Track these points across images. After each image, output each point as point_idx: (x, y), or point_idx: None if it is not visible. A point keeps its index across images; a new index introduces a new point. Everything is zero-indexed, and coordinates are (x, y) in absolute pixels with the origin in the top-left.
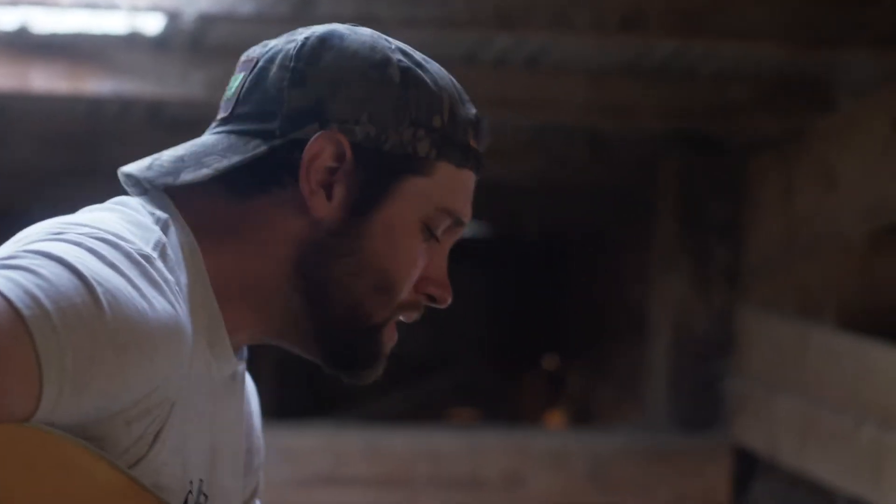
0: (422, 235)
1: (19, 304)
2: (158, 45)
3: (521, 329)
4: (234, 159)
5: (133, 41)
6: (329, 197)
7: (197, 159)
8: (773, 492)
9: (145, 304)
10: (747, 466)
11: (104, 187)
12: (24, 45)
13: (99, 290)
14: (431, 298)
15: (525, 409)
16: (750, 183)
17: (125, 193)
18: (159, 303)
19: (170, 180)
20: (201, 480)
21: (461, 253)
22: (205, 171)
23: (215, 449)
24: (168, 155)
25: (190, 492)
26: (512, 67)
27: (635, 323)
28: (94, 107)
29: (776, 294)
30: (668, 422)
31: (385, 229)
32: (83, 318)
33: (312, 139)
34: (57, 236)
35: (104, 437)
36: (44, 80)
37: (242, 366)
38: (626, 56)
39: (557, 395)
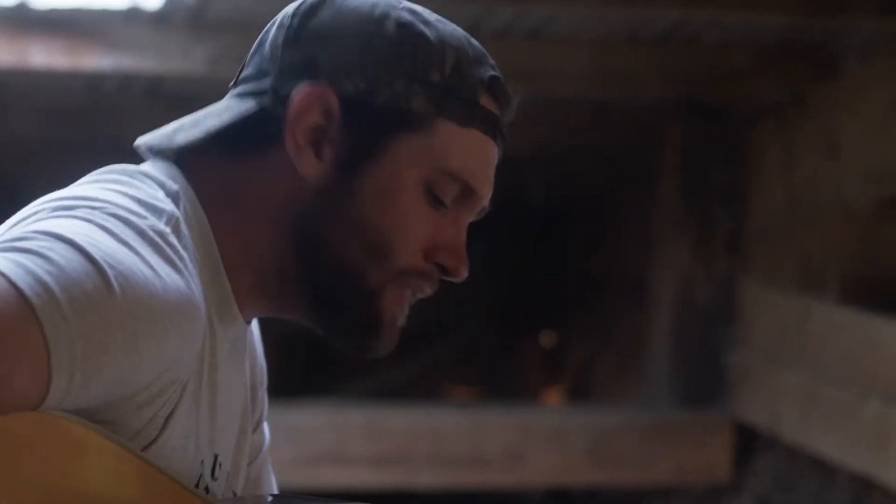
0: (425, 199)
1: (28, 292)
2: (159, 19)
3: (523, 298)
4: (226, 118)
5: (133, 16)
6: (318, 155)
7: (194, 123)
8: (775, 467)
9: (158, 285)
10: (748, 441)
11: (103, 162)
12: (23, 20)
13: (110, 272)
14: (444, 270)
15: (524, 383)
16: (752, 150)
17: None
18: (173, 281)
19: (164, 143)
20: (216, 456)
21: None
22: (196, 132)
23: (226, 416)
24: (174, 122)
25: (202, 474)
26: (514, 38)
27: (636, 292)
28: (94, 82)
29: (778, 262)
30: (668, 395)
31: (378, 188)
32: (94, 304)
33: (297, 93)
34: (67, 213)
35: (114, 421)
36: (43, 55)
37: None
38: (628, 26)
39: (557, 370)
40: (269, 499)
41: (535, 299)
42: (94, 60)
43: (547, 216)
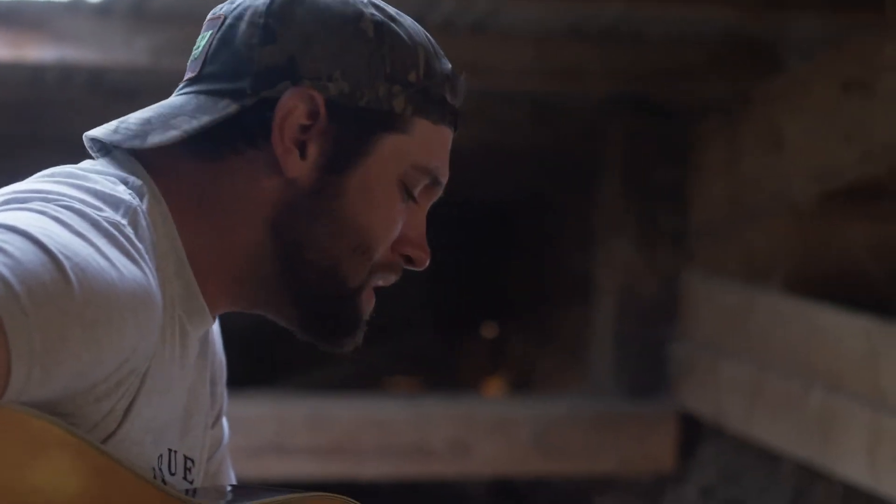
0: (400, 195)
1: None
2: (101, 10)
3: (464, 295)
4: (204, 120)
5: (76, 7)
6: (303, 155)
7: (165, 121)
8: (719, 457)
9: (114, 275)
10: (692, 432)
11: (45, 154)
12: None
13: (67, 264)
14: (409, 260)
15: (466, 375)
16: (696, 146)
17: (73, 160)
18: (129, 271)
19: (137, 143)
20: (172, 451)
21: None
22: (173, 133)
23: (188, 412)
24: (135, 117)
25: (160, 468)
26: (458, 32)
27: (578, 288)
28: (35, 74)
29: (722, 258)
30: (612, 387)
31: (362, 188)
32: (52, 296)
33: (285, 96)
34: (20, 206)
35: (73, 413)
36: None
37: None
38: (573, 19)
39: (498, 362)
40: (229, 489)
41: (476, 293)
42: (37, 52)
43: (489, 211)
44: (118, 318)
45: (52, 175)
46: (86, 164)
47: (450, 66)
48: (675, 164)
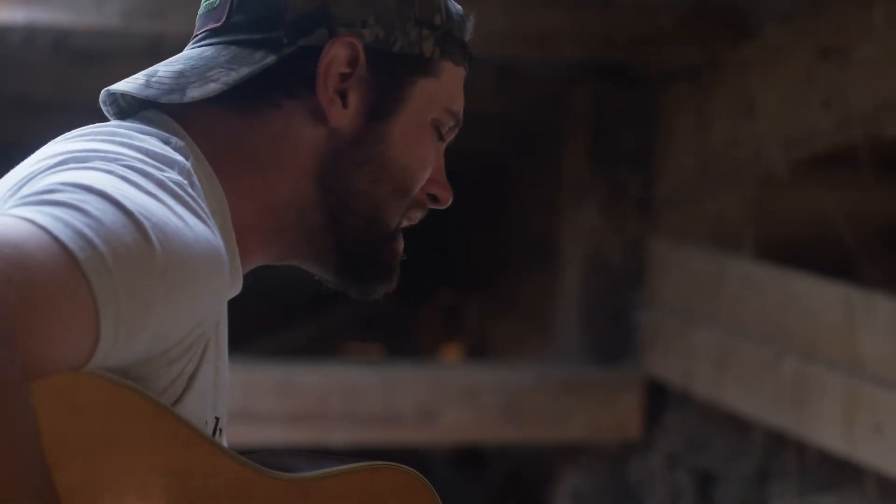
0: (433, 137)
1: (72, 246)
2: None
3: (422, 261)
4: (243, 71)
5: None
6: (344, 104)
7: (201, 74)
8: (686, 424)
9: (189, 235)
10: (659, 399)
11: (6, 116)
12: None
13: (147, 224)
14: (434, 199)
15: (423, 341)
16: (663, 112)
17: (30, 120)
18: (202, 231)
19: (176, 98)
20: (216, 419)
21: None
22: (213, 87)
23: (221, 373)
24: (165, 70)
25: (218, 429)
26: None
27: (541, 255)
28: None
29: (690, 224)
30: (578, 354)
31: (402, 133)
32: (135, 256)
33: (328, 45)
34: (83, 165)
35: (146, 377)
36: None
37: None
38: None
39: (455, 328)
40: (287, 456)
41: (435, 259)
42: (6, 13)
43: (451, 177)
44: (194, 279)
45: (93, 134)
46: (121, 123)
47: (460, 7)
48: (642, 130)
